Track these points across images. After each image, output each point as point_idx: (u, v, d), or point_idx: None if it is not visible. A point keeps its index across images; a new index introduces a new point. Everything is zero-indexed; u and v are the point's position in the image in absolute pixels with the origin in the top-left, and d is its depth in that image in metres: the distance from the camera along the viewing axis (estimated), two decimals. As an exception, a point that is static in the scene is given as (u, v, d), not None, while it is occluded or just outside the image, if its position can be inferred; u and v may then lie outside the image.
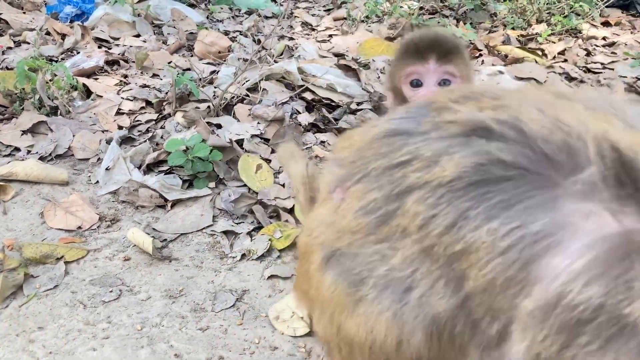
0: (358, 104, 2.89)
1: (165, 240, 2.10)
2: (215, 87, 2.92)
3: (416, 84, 1.40)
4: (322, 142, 2.67)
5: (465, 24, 4.37)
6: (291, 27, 4.54)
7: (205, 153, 2.29)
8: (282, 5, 5.16)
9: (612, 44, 4.27)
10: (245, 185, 2.35)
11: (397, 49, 1.48)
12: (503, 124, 0.75)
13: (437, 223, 0.74)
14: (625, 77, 3.53)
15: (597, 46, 4.19)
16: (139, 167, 2.40)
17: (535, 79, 3.42)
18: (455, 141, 0.77)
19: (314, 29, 4.48)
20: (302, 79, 2.94)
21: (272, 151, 2.55)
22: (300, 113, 2.76)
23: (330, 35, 4.27)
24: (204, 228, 2.16)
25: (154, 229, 2.15)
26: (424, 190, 0.76)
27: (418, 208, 0.76)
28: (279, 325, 1.74)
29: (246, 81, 2.91)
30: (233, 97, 2.79)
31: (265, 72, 2.91)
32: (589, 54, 3.99)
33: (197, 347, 1.66)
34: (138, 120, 2.79)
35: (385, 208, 0.81)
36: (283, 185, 2.34)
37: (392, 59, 1.51)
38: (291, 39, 4.17)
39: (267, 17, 4.65)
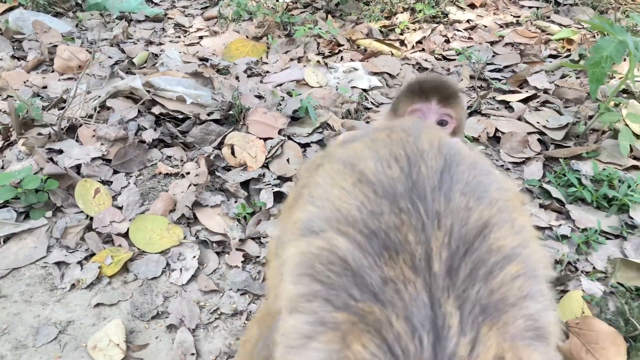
0: (209, 114, 2.95)
1: (-4, 277, 2.13)
2: (60, 109, 2.91)
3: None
4: (168, 157, 2.73)
5: (334, 16, 4.48)
6: (164, 29, 4.52)
7: (36, 184, 2.31)
8: (158, 5, 5.11)
9: (473, 27, 4.49)
10: (83, 211, 2.39)
11: (404, 86, 1.66)
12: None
13: None
14: (475, 63, 3.74)
15: (458, 31, 4.40)
16: (-25, 203, 2.40)
17: (388, 72, 3.58)
18: None
19: (186, 31, 4.48)
20: (151, 93, 2.97)
21: (114, 172, 2.60)
22: (146, 129, 2.80)
23: (201, 37, 4.29)
24: (37, 260, 2.20)
25: (-15, 266, 2.17)
26: None
27: None
28: (95, 355, 1.82)
29: (93, 100, 2.92)
30: (77, 119, 2.80)
31: (112, 90, 2.92)
32: (448, 40, 4.18)
33: (10, 387, 1.72)
34: (-18, 151, 2.76)
35: None
36: (120, 208, 2.40)
37: (398, 94, 1.68)
38: (160, 44, 4.16)
39: (139, 21, 4.60)
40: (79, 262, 2.18)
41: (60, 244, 2.26)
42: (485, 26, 4.49)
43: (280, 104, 2.97)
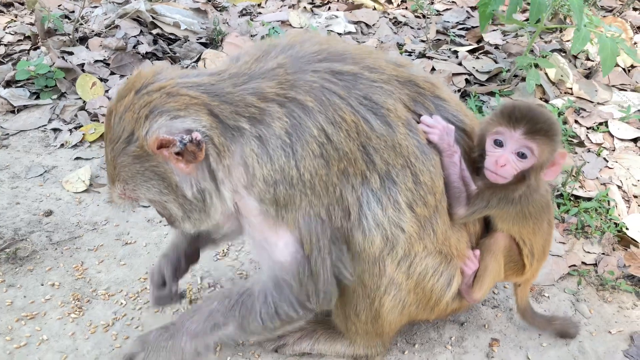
0: (198, 38, 3.55)
1: (7, 134, 2.80)
2: (81, 24, 3.57)
3: (498, 144, 1.54)
4: (157, 67, 3.33)
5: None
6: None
7: (45, 70, 2.97)
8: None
9: (463, -5, 4.89)
10: (81, 98, 3.03)
11: (498, 107, 1.63)
12: None
13: None
14: (449, 22, 4.18)
15: (448, -5, 4.81)
16: None
17: (365, 22, 4.08)
18: None
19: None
20: (152, 17, 3.58)
21: (111, 73, 3.23)
22: (142, 44, 3.41)
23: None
24: (39, 127, 2.86)
25: (1, 127, 2.84)
26: None
27: None
28: (66, 185, 2.46)
29: (106, 19, 3.56)
30: (92, 31, 3.45)
31: (120, 12, 3.55)
32: (432, 2, 4.62)
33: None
34: (13, 50, 3.45)
35: None
36: (109, 98, 3.02)
37: (492, 112, 1.66)
38: (179, -14, 4.77)
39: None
40: (70, 130, 2.83)
41: (58, 118, 2.92)
42: (477, -6, 4.88)
43: (255, 34, 3.53)
